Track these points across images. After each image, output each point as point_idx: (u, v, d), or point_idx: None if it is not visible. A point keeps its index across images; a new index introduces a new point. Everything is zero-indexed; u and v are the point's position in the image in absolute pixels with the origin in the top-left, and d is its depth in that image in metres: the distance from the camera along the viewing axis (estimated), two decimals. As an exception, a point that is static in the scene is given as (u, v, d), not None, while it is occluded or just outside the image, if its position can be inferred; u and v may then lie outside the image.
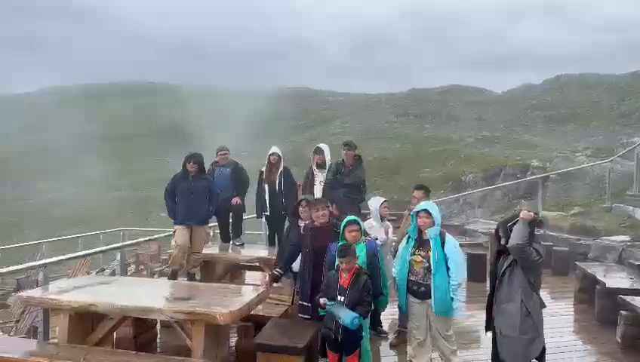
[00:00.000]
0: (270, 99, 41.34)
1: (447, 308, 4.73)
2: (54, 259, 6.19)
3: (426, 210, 4.82)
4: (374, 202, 6.47)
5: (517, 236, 4.26)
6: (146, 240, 8.68)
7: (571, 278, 8.68)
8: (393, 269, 5.16)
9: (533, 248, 4.27)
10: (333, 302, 4.46)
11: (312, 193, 7.41)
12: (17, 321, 7.70)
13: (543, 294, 8.04)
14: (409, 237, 4.96)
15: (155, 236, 8.98)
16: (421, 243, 4.85)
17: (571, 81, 38.48)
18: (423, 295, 4.79)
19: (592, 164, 15.36)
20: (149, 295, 5.03)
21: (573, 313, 7.50)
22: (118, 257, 6.92)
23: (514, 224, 4.35)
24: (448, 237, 4.85)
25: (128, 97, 46.73)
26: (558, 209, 13.46)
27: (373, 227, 6.26)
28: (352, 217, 4.88)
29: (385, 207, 6.45)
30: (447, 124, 37.09)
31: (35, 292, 5.04)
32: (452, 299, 4.70)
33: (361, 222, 4.92)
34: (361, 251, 4.74)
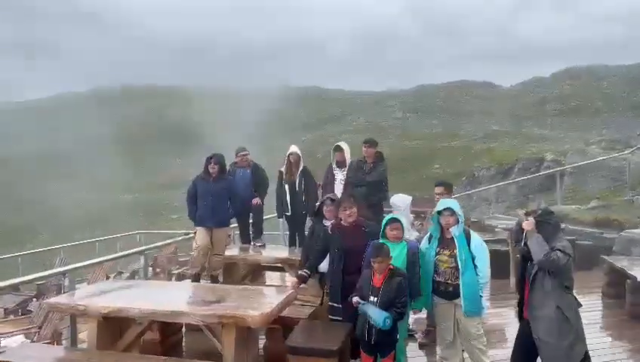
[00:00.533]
0: (279, 99, 41.37)
1: (477, 308, 4.61)
2: (78, 264, 6.11)
3: (449, 208, 4.67)
4: (402, 199, 6.04)
5: (536, 251, 4.09)
6: (167, 244, 8.58)
7: (596, 273, 8.53)
8: None
9: (559, 250, 4.07)
10: (365, 302, 4.35)
11: (333, 192, 7.29)
12: (40, 327, 7.64)
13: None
14: (431, 236, 4.83)
15: (178, 238, 8.89)
16: (445, 242, 4.71)
17: (580, 72, 38.15)
18: (451, 295, 4.64)
19: (611, 156, 15.12)
20: (177, 298, 4.95)
21: (601, 308, 7.35)
22: (142, 261, 6.86)
23: (523, 233, 4.22)
24: (473, 234, 4.71)
25: (138, 100, 46.94)
26: (575, 202, 13.27)
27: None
28: (394, 215, 4.80)
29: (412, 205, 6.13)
30: (456, 119, 36.95)
31: (62, 299, 4.97)
32: (481, 297, 4.59)
33: (403, 221, 4.79)
34: (401, 251, 4.63)
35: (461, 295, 4.57)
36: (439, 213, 4.72)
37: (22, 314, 9.49)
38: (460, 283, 4.56)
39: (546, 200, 14.95)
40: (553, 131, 29.04)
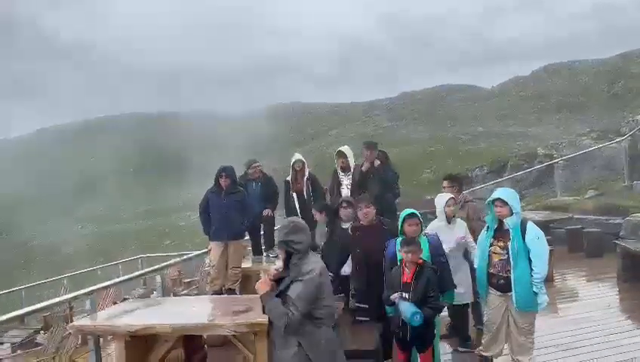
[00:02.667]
0: (264, 119, 41.41)
1: (530, 304, 4.43)
2: (91, 288, 5.94)
3: (500, 199, 4.51)
4: (439, 199, 5.59)
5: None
6: (179, 261, 8.46)
7: (608, 259, 8.55)
8: (475, 260, 4.93)
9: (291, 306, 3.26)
10: (399, 297, 4.29)
11: (340, 196, 7.23)
12: (53, 359, 7.44)
13: (581, 278, 8.01)
14: (488, 227, 4.70)
15: (196, 253, 8.77)
16: (500, 233, 4.55)
17: (559, 69, 38.75)
18: (503, 288, 4.50)
19: (605, 144, 15.29)
20: (204, 312, 4.84)
21: (618, 292, 7.35)
22: (158, 279, 6.74)
23: None
24: (530, 226, 4.50)
25: (124, 130, 46.56)
26: (572, 194, 13.37)
27: (440, 228, 5.37)
28: (411, 210, 4.71)
29: (450, 205, 5.53)
30: (442, 123, 37.19)
31: (86, 321, 4.85)
32: (535, 294, 4.40)
33: (419, 216, 4.74)
34: (423, 245, 4.54)
35: (512, 289, 4.42)
36: (492, 202, 4.58)
37: (30, 348, 9.23)
38: (512, 276, 4.42)
39: (542, 193, 15.09)
40: (539, 128, 29.36)
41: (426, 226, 5.20)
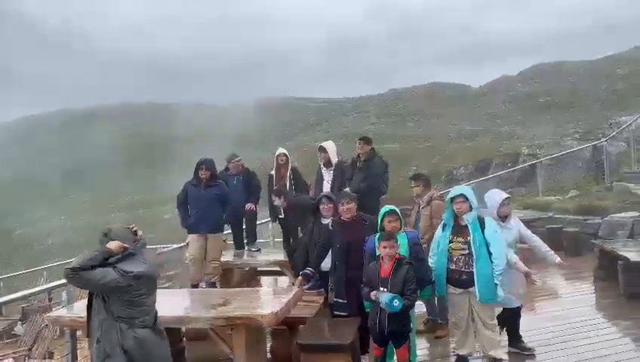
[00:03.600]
0: (251, 111, 41.27)
1: (492, 296, 4.55)
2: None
3: (462, 195, 4.66)
4: (492, 197, 5.20)
5: None
6: (161, 252, 8.42)
7: (585, 258, 8.68)
8: (430, 259, 4.93)
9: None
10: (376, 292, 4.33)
11: (322, 191, 7.27)
12: (30, 349, 7.40)
13: (560, 277, 8.12)
14: (444, 224, 4.80)
15: (175, 245, 8.74)
16: (458, 229, 4.68)
17: (547, 69, 39.01)
18: (465, 283, 4.61)
19: (587, 145, 15.50)
20: (181, 305, 4.86)
21: (594, 291, 7.47)
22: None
23: None
24: (488, 220, 4.66)
25: (111, 120, 46.07)
26: (555, 193, 13.53)
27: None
28: (391, 207, 4.75)
29: (506, 205, 5.14)
30: (430, 121, 37.35)
31: (64, 312, 4.83)
32: (496, 285, 4.53)
33: (399, 212, 4.78)
34: (402, 241, 4.59)
35: (475, 283, 4.52)
36: (452, 199, 4.71)
37: (8, 339, 9.17)
38: (474, 270, 4.52)
39: (526, 192, 15.22)
40: (525, 128, 29.56)
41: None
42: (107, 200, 34.43)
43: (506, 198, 5.19)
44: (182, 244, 8.35)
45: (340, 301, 5.07)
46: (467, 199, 4.64)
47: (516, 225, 5.22)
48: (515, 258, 4.90)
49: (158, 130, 42.42)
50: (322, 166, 7.67)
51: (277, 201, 7.12)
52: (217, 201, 6.85)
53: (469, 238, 4.58)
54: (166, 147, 38.40)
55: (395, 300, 4.14)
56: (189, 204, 6.87)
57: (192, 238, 6.91)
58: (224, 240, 7.52)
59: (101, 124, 44.51)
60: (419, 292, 4.58)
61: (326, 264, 5.40)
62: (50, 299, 9.06)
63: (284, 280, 7.61)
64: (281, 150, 7.84)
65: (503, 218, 5.12)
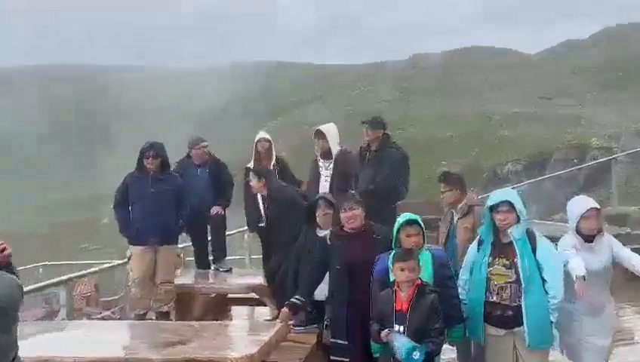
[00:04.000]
0: (235, 79, 41.32)
1: (545, 339, 4.54)
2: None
3: (507, 202, 4.62)
4: (574, 206, 5.05)
5: None
6: (97, 270, 8.49)
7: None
8: (460, 289, 4.89)
9: None
10: (390, 331, 4.35)
11: (317, 191, 7.30)
12: None
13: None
14: (481, 240, 4.79)
15: (117, 262, 8.79)
16: (500, 248, 4.64)
17: (626, 32, 39.20)
18: (510, 322, 4.57)
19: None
20: (129, 341, 4.92)
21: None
22: (63, 295, 6.73)
23: None
24: (541, 237, 4.64)
25: (35, 85, 46.02)
26: (635, 202, 13.61)
27: (570, 251, 4.83)
28: (411, 215, 4.76)
29: (589, 217, 4.90)
30: (464, 99, 37.41)
31: None
32: (551, 324, 4.52)
33: (422, 222, 4.79)
34: (425, 262, 4.58)
35: (524, 321, 4.50)
36: (491, 208, 4.67)
37: None
38: (523, 304, 4.49)
39: (595, 199, 15.30)
40: (596, 111, 29.73)
41: (556, 244, 4.90)
42: (23, 196, 34.40)
43: (591, 208, 4.93)
44: (121, 261, 8.36)
45: (339, 342, 5.08)
46: (513, 207, 4.61)
47: (607, 243, 5.00)
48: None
49: (95, 102, 42.42)
50: (319, 157, 7.66)
51: (253, 182, 6.71)
52: (171, 200, 6.85)
53: (515, 260, 4.56)
54: (105, 125, 38.42)
55: (416, 352, 4.13)
56: (132, 203, 6.87)
57: (135, 252, 6.90)
58: (179, 255, 7.55)
59: (16, 92, 44.49)
60: (446, 332, 4.60)
61: (321, 291, 5.43)
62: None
63: (263, 312, 7.65)
64: (262, 134, 7.85)
65: (587, 236, 4.94)
